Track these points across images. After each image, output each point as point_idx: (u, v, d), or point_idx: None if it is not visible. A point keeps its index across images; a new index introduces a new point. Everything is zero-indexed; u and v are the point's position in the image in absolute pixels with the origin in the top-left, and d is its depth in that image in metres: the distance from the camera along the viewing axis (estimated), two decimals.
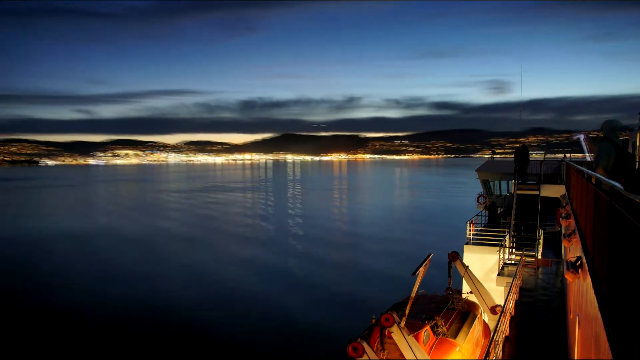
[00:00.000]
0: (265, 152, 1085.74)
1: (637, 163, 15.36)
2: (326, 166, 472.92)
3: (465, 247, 24.34)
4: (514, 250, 23.41)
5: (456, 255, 17.60)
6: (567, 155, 35.45)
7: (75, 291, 39.03)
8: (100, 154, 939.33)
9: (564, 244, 13.84)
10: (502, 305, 14.74)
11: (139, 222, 79.99)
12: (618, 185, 4.33)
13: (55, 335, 29.47)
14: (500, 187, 34.98)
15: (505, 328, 13.53)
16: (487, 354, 10.30)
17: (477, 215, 29.58)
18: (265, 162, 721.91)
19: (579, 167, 12.81)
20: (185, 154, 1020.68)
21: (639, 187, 3.90)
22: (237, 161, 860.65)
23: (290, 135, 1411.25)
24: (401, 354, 11.75)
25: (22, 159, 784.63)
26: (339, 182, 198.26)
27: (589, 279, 6.76)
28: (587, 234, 8.12)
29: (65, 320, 32.19)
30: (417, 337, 12.48)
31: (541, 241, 24.91)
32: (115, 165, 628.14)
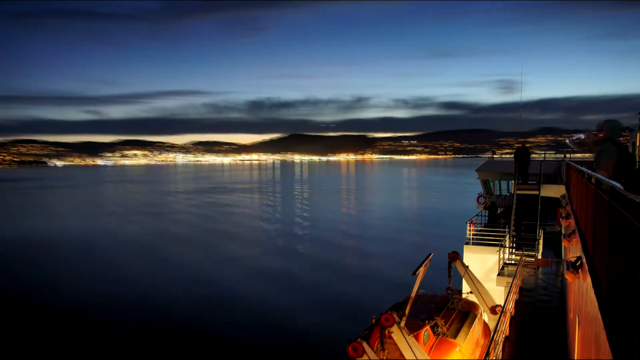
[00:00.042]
0: (273, 152, 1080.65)
1: (637, 163, 15.32)
2: (334, 166, 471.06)
3: (465, 247, 24.31)
4: (514, 250, 23.39)
5: (456, 255, 17.58)
6: (567, 155, 35.23)
7: (79, 291, 39.18)
8: (108, 154, 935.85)
9: (564, 244, 13.82)
10: (502, 305, 14.74)
11: (145, 223, 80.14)
12: (618, 185, 4.34)
13: (55, 336, 29.61)
14: (500, 187, 34.92)
15: (505, 328, 13.53)
16: (487, 354, 10.32)
17: (477, 215, 29.52)
18: (273, 163, 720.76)
19: (579, 167, 12.81)
20: (194, 154, 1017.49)
21: (639, 187, 3.92)
22: (245, 161, 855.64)
23: (298, 135, 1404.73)
24: (401, 354, 11.73)
25: (31, 159, 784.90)
26: (347, 182, 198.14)
27: (589, 279, 6.78)
28: (587, 234, 8.12)
29: (67, 320, 32.34)
30: (417, 337, 12.46)
31: (541, 241, 24.89)
32: (124, 166, 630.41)
